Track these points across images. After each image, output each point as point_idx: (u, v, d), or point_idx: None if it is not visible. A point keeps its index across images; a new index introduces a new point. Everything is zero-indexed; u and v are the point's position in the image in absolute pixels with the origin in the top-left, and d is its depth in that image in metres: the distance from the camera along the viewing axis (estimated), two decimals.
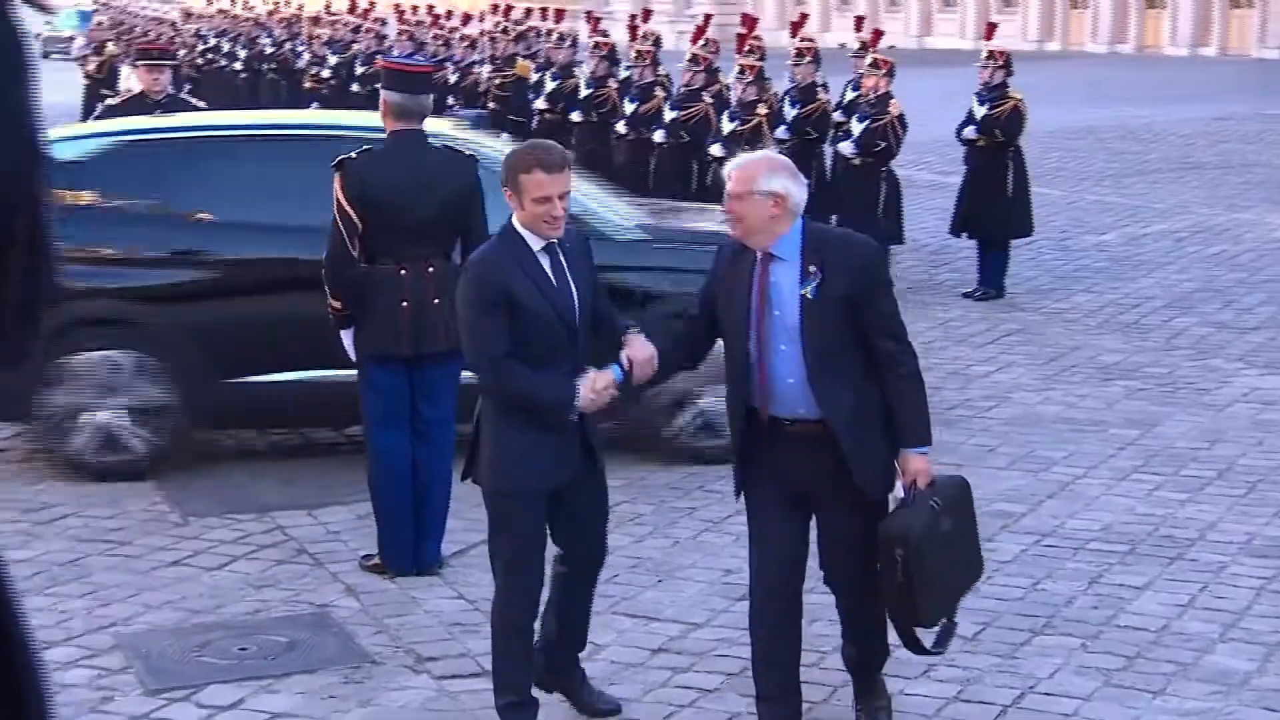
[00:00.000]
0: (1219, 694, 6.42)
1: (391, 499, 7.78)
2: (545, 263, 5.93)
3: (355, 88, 22.32)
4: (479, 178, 7.80)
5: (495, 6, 21.67)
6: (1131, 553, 8.06)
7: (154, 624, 7.15)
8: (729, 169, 5.89)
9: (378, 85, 21.02)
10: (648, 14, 17.87)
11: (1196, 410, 10.77)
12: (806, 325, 5.69)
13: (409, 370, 7.74)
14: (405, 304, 7.62)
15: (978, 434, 10.27)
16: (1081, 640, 6.96)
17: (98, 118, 11.98)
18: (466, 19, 21.26)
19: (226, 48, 28.06)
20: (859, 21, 17.18)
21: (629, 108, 15.77)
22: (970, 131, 15.49)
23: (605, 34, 17.77)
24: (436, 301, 7.63)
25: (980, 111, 15.42)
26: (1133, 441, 10.08)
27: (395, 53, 21.87)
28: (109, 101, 12.27)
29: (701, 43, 16.49)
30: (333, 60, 23.26)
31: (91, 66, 24.42)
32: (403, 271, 7.61)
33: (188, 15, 35.47)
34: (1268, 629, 7.09)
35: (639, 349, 6.00)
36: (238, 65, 26.93)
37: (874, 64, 14.84)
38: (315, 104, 23.52)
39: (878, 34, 15.72)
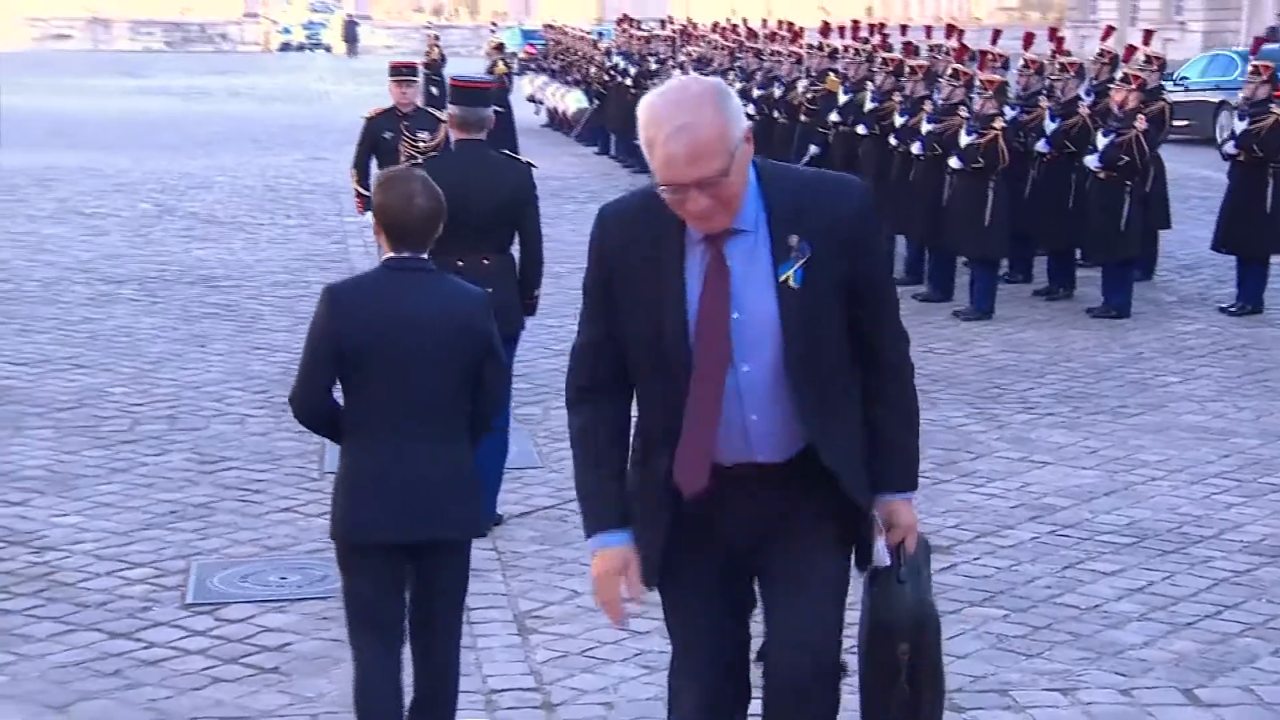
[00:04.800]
0: (1084, 660, 6.88)
1: None
2: None
3: None
4: (533, 183, 8.84)
5: (856, 24, 22.39)
6: (1132, 545, 8.44)
7: (229, 555, 8.42)
8: (656, 130, 3.81)
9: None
10: (1029, 38, 18.10)
11: None
12: (788, 329, 3.88)
13: None
14: None
15: (1097, 436, 10.65)
16: (1006, 612, 7.49)
17: (363, 131, 13.43)
18: (795, 36, 22.13)
19: (623, 65, 29.64)
20: (1148, 36, 17.31)
21: (899, 121, 16.42)
22: (1230, 147, 15.59)
23: (890, 49, 18.43)
24: (490, 291, 8.66)
25: (1240, 127, 15.51)
26: (1243, 450, 10.30)
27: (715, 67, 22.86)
28: (363, 113, 13.70)
29: (974, 60, 16.99)
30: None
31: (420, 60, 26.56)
32: (460, 263, 8.66)
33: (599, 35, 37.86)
34: (1191, 613, 7.44)
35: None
36: (628, 81, 28.46)
37: (1125, 78, 15.14)
38: None
39: (1131, 49, 15.93)
